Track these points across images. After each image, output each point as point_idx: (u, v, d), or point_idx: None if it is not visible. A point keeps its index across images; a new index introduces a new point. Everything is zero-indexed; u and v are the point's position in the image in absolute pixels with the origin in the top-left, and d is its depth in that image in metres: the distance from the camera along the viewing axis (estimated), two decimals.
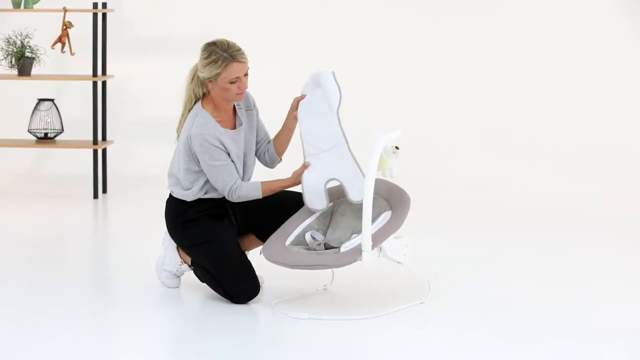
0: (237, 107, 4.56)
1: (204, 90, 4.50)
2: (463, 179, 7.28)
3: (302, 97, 4.56)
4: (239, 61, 4.38)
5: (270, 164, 4.72)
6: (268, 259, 4.33)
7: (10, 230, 5.96)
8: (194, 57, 4.51)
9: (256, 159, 4.68)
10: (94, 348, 3.91)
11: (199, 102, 4.50)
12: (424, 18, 7.62)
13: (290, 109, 4.60)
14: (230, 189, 4.45)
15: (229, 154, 4.44)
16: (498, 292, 4.68)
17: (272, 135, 4.71)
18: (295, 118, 4.57)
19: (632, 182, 7.15)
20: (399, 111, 7.57)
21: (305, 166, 4.49)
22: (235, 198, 4.47)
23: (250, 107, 4.61)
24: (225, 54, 4.37)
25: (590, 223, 6.25)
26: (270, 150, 4.68)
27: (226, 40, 4.42)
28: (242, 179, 4.56)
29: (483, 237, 5.84)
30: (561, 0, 7.58)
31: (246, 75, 4.43)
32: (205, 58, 4.40)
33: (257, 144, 4.67)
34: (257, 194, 4.48)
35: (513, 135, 7.54)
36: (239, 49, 4.41)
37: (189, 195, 4.51)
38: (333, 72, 4.48)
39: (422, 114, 7.58)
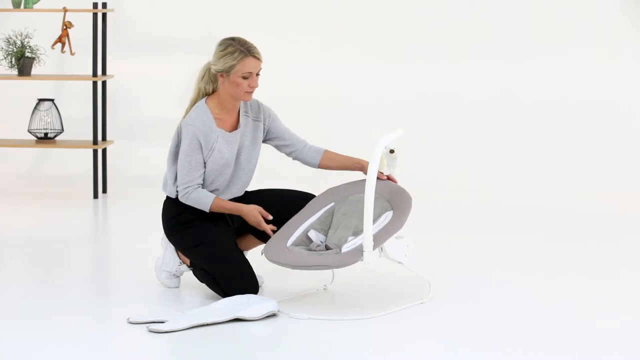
0: (244, 114, 4.54)
1: (214, 86, 4.49)
2: (463, 179, 7.27)
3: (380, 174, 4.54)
4: (254, 56, 4.41)
5: (311, 164, 4.69)
6: (269, 259, 4.33)
7: (11, 230, 5.96)
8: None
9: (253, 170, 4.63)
10: (93, 348, 3.90)
11: (205, 98, 4.50)
12: (425, 18, 7.62)
13: (364, 165, 4.58)
14: (186, 187, 4.42)
15: (206, 156, 4.41)
16: (498, 292, 4.67)
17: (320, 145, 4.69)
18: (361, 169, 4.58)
19: (632, 182, 7.15)
20: (400, 111, 7.57)
21: (270, 230, 4.43)
22: (184, 198, 4.44)
23: (259, 119, 4.57)
24: (242, 48, 4.39)
25: (590, 223, 6.25)
26: (310, 159, 4.65)
27: (244, 38, 4.46)
28: (229, 188, 4.53)
29: (483, 237, 5.84)
30: (561, 0, 7.58)
31: (258, 75, 4.45)
32: (222, 50, 4.41)
33: (287, 148, 4.62)
34: (205, 205, 4.42)
35: (513, 135, 7.54)
36: (256, 47, 4.44)
37: (173, 192, 4.52)
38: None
39: (422, 114, 7.58)
